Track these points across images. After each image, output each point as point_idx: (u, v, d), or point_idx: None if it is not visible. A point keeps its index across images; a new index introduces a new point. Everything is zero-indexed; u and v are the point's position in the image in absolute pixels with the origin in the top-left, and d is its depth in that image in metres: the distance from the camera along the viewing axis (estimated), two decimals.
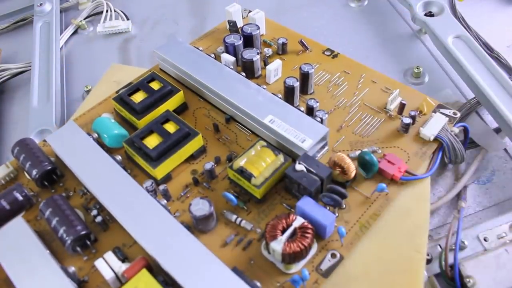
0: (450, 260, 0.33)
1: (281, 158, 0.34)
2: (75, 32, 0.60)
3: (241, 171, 0.33)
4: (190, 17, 0.62)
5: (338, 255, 0.31)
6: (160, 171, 0.35)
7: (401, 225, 0.33)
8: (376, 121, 0.39)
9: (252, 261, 0.31)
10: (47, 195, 0.36)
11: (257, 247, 0.32)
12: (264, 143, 0.35)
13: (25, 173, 0.37)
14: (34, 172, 0.35)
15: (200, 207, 0.31)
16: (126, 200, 0.33)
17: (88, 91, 0.51)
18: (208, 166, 0.35)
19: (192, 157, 0.37)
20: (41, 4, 0.60)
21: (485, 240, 0.35)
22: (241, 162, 0.33)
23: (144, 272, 0.29)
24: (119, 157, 0.36)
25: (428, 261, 0.35)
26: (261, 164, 0.33)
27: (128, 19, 0.61)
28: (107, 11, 0.60)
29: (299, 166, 0.33)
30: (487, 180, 0.41)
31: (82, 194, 0.36)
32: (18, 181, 0.38)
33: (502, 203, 0.39)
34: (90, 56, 0.57)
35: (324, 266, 0.30)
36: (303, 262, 0.30)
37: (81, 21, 0.60)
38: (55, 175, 0.36)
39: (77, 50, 0.58)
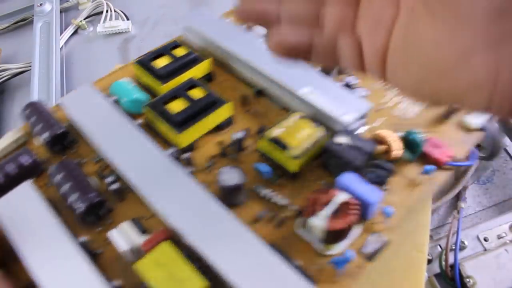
0: (450, 260, 0.33)
1: (321, 130, 0.29)
2: (75, 32, 0.58)
3: (276, 141, 0.28)
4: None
5: (381, 238, 0.26)
6: (184, 138, 0.29)
7: (402, 225, 0.28)
8: (417, 105, 0.34)
9: (285, 240, 0.26)
10: (57, 161, 0.30)
11: (290, 225, 0.27)
12: (303, 114, 0.30)
13: (35, 138, 0.32)
14: (45, 135, 0.30)
15: (231, 176, 0.27)
16: (147, 168, 0.27)
17: None
18: (239, 135, 0.29)
19: (218, 128, 0.32)
20: (41, 4, 0.57)
21: (485, 240, 0.34)
22: (276, 131, 0.28)
23: (166, 245, 0.24)
24: (139, 121, 0.31)
25: (428, 261, 0.33)
26: (299, 136, 0.28)
27: (128, 19, 0.58)
28: (107, 11, 0.58)
29: (341, 139, 0.28)
30: (487, 180, 0.40)
31: (97, 161, 0.30)
32: (27, 146, 0.32)
33: (502, 203, 0.38)
34: (90, 56, 0.55)
35: (368, 249, 0.26)
36: (345, 243, 0.26)
37: (81, 21, 0.57)
38: (67, 140, 0.31)
39: (77, 50, 0.56)
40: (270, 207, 0.28)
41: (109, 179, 0.28)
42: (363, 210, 0.26)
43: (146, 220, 0.27)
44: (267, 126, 0.31)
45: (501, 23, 0.14)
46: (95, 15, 0.60)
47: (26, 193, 0.27)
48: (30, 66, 0.51)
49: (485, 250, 0.34)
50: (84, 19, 0.58)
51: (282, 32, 0.20)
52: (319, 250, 0.26)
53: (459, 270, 0.32)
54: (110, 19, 0.58)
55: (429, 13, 0.15)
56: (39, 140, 0.31)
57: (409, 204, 0.28)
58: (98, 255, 0.26)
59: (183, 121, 0.29)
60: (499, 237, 0.34)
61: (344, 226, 0.25)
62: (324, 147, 0.28)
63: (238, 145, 0.30)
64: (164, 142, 0.31)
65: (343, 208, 0.25)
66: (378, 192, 0.26)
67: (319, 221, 0.25)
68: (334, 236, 0.25)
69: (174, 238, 0.25)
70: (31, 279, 0.24)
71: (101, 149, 0.29)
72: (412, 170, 0.30)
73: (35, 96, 0.47)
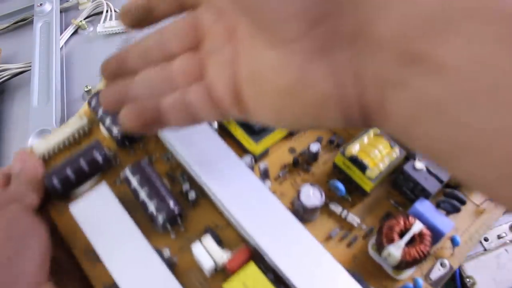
0: None
1: (396, 150, 0.28)
2: (75, 32, 0.56)
3: (354, 160, 0.28)
4: None
5: (447, 265, 0.27)
6: (260, 147, 0.29)
7: None
8: None
9: (356, 260, 0.27)
10: (126, 156, 0.30)
11: (362, 245, 0.27)
12: (377, 131, 0.29)
13: (102, 128, 0.31)
14: (115, 130, 0.29)
15: (312, 196, 0.27)
16: (223, 175, 0.27)
17: (88, 91, 0.47)
18: (315, 148, 0.29)
19: (290, 133, 0.31)
20: (41, 4, 0.56)
21: (485, 240, 0.33)
22: (353, 149, 0.28)
23: (252, 266, 0.24)
24: (215, 125, 0.29)
25: None
26: (376, 155, 0.28)
27: None
28: (107, 11, 0.56)
29: (420, 165, 0.28)
30: None
31: (167, 160, 0.29)
32: (92, 136, 0.31)
33: None
34: (90, 56, 0.54)
35: (434, 275, 0.27)
36: (413, 269, 0.27)
37: (81, 21, 0.55)
38: (136, 135, 0.30)
39: (77, 50, 0.54)
40: (342, 224, 0.28)
41: (186, 185, 0.28)
42: (434, 238, 0.27)
43: (221, 230, 0.28)
44: (338, 134, 0.31)
45: (316, 29, 0.14)
46: (95, 15, 0.58)
47: (104, 196, 0.27)
48: (30, 66, 0.50)
49: (485, 250, 0.33)
50: (84, 19, 0.56)
51: (133, 105, 0.20)
52: (390, 273, 0.27)
53: (459, 270, 0.32)
54: (110, 19, 0.56)
55: (259, 41, 0.16)
56: (106, 132, 0.30)
57: (474, 230, 0.29)
58: (174, 265, 0.26)
59: (262, 129, 0.29)
60: (499, 237, 0.34)
61: (416, 256, 0.26)
62: (401, 170, 0.28)
63: (313, 156, 0.30)
64: (238, 145, 0.30)
65: (416, 237, 0.26)
66: (450, 222, 0.27)
67: (396, 250, 0.25)
68: (407, 264, 0.26)
69: (256, 257, 0.26)
70: (112, 282, 0.24)
71: (174, 149, 0.28)
72: (478, 196, 0.30)
73: (35, 96, 0.47)
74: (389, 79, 0.13)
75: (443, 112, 0.13)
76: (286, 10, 0.14)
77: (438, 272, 0.27)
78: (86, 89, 0.48)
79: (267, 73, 0.16)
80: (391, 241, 0.26)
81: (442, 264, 0.27)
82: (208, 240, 0.26)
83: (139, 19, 0.20)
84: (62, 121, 0.45)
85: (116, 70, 0.21)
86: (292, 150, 0.30)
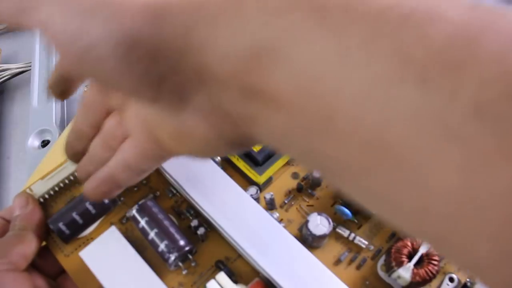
0: None
1: None
2: None
3: None
4: None
5: (456, 279, 0.27)
6: (264, 176, 0.29)
7: None
8: None
9: (367, 282, 0.27)
10: (130, 193, 0.30)
11: (371, 266, 0.28)
12: None
13: None
14: None
15: (320, 225, 0.27)
16: (230, 209, 0.27)
17: None
18: (318, 173, 0.29)
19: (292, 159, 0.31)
20: None
21: None
22: None
23: None
24: (218, 158, 0.29)
25: None
26: None
27: None
28: None
29: None
30: None
31: (172, 196, 0.29)
32: None
33: None
34: None
35: None
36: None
37: None
38: None
39: None
40: (350, 247, 0.29)
41: (195, 221, 0.28)
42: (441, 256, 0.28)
43: (232, 263, 0.28)
44: None
45: (165, 86, 0.15)
46: None
47: (114, 239, 0.27)
48: (30, 66, 0.49)
49: None
50: None
51: (90, 181, 0.22)
52: None
53: None
54: None
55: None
56: None
57: None
58: None
59: (265, 160, 0.29)
60: None
61: (426, 277, 0.26)
62: None
63: (316, 182, 0.30)
64: (238, 173, 0.30)
65: (424, 257, 0.27)
66: None
67: (406, 273, 0.26)
68: (417, 284, 0.27)
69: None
70: None
71: (178, 184, 0.28)
72: None
73: (35, 96, 0.47)
74: (243, 113, 0.14)
75: (295, 142, 0.13)
76: (129, 83, 0.15)
77: (447, 287, 0.28)
78: (86, 89, 0.47)
79: (158, 123, 0.17)
80: (400, 264, 0.26)
81: (450, 279, 0.28)
82: (223, 276, 0.26)
83: (63, 90, 0.23)
84: (62, 121, 0.45)
85: (74, 155, 0.23)
86: (295, 175, 0.30)
